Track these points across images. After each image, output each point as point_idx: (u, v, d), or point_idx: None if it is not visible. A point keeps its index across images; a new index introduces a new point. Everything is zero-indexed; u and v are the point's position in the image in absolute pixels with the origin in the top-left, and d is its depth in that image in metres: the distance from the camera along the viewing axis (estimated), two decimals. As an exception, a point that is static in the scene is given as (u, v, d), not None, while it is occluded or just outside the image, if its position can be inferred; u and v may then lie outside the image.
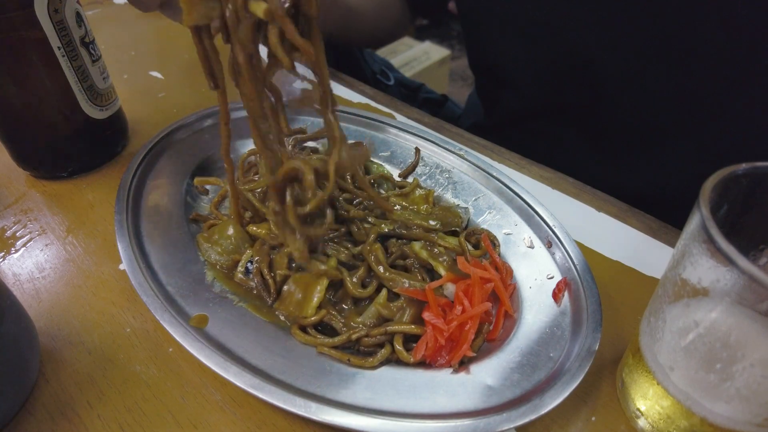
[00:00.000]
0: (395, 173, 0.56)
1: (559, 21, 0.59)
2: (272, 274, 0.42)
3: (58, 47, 0.47)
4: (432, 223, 0.48)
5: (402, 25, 0.87)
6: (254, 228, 0.45)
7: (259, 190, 0.47)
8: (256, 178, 0.51)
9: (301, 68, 0.37)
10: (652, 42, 0.55)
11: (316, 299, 0.40)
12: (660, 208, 0.55)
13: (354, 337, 0.39)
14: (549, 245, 0.46)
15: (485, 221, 0.50)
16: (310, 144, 0.57)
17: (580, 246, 0.47)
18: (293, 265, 0.42)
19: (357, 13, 0.75)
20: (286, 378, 0.35)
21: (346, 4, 0.72)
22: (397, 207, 0.50)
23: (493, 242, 0.47)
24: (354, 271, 0.42)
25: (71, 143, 0.52)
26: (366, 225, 0.47)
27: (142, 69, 0.73)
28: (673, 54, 0.54)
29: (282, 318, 0.40)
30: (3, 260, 0.45)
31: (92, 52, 0.51)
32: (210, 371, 0.34)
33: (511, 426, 0.33)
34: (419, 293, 0.40)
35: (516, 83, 0.69)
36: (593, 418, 0.37)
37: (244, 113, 0.58)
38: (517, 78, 0.69)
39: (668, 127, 0.59)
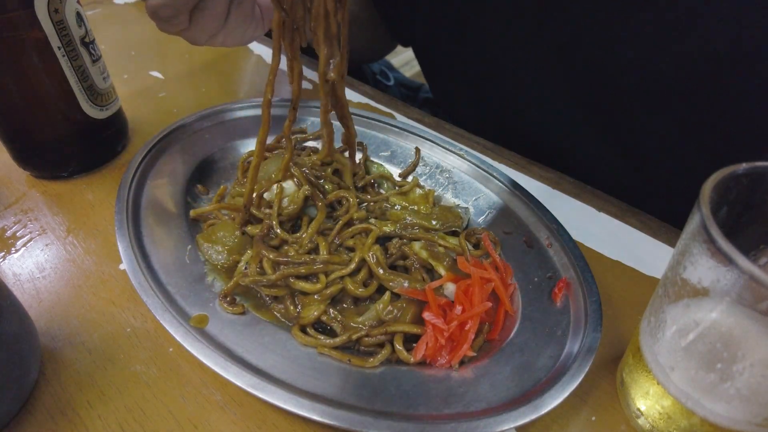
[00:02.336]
0: (395, 173, 0.56)
1: (498, 73, 0.66)
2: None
3: (59, 47, 0.47)
4: (432, 223, 0.48)
5: (381, 48, 0.88)
6: (252, 228, 0.45)
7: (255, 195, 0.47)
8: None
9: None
10: (578, 100, 0.60)
11: (315, 314, 0.40)
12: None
13: (354, 337, 0.39)
14: (549, 245, 0.46)
15: (485, 221, 0.50)
16: (310, 144, 0.57)
17: (580, 246, 0.47)
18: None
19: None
20: (287, 378, 0.35)
21: None
22: (397, 207, 0.50)
23: (493, 242, 0.47)
24: (355, 275, 0.42)
25: (71, 143, 0.52)
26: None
27: (142, 69, 0.73)
28: (615, 114, 0.58)
29: (281, 318, 0.40)
30: (3, 260, 0.45)
31: (92, 52, 0.51)
32: (210, 371, 0.34)
33: (511, 426, 0.33)
34: (419, 293, 0.40)
35: (467, 122, 0.73)
36: (593, 418, 0.37)
37: (243, 113, 0.58)
38: (467, 119, 0.75)
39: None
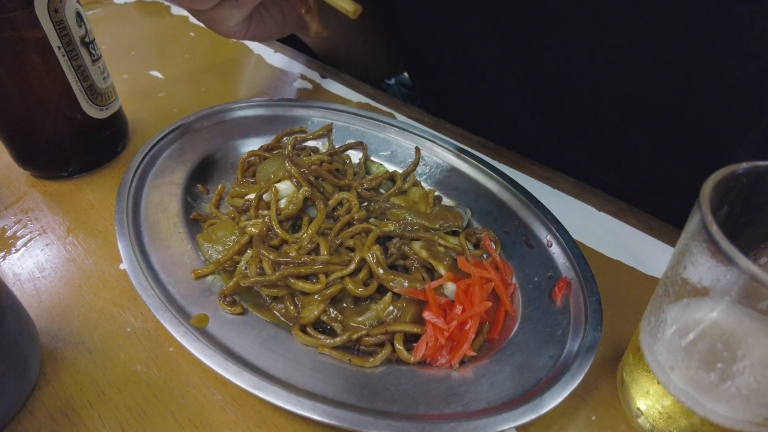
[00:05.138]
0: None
1: (485, 98, 0.68)
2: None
3: (59, 47, 0.47)
4: (432, 222, 0.48)
5: (387, 70, 0.89)
6: (251, 228, 0.45)
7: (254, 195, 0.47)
8: (252, 180, 0.51)
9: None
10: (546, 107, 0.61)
11: (315, 313, 0.40)
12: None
13: (355, 336, 0.39)
14: (549, 244, 0.46)
15: (485, 221, 0.50)
16: (310, 143, 0.57)
17: (581, 245, 0.47)
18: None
19: (343, 53, 0.77)
20: (287, 378, 0.35)
21: (331, 45, 0.74)
22: (397, 206, 0.50)
23: (494, 242, 0.47)
24: (355, 275, 0.42)
25: (71, 143, 0.52)
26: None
27: (142, 69, 0.73)
28: (593, 136, 0.59)
29: (281, 318, 0.40)
30: (3, 260, 0.45)
31: (92, 51, 0.51)
32: (210, 371, 0.34)
33: (511, 426, 0.33)
34: (419, 293, 0.40)
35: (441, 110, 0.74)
36: (593, 418, 0.37)
37: (243, 113, 0.58)
38: (442, 107, 0.76)
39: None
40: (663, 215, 0.54)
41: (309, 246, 0.42)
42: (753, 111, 0.48)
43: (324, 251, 0.42)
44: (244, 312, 0.39)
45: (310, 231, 0.43)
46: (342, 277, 0.41)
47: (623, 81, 0.53)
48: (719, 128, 0.51)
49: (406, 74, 1.06)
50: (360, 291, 0.41)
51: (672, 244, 0.51)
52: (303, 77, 0.73)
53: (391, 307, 0.40)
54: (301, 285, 0.40)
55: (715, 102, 0.50)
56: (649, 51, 0.50)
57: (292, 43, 0.80)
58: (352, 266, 0.42)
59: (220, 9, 0.49)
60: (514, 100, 0.64)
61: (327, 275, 0.41)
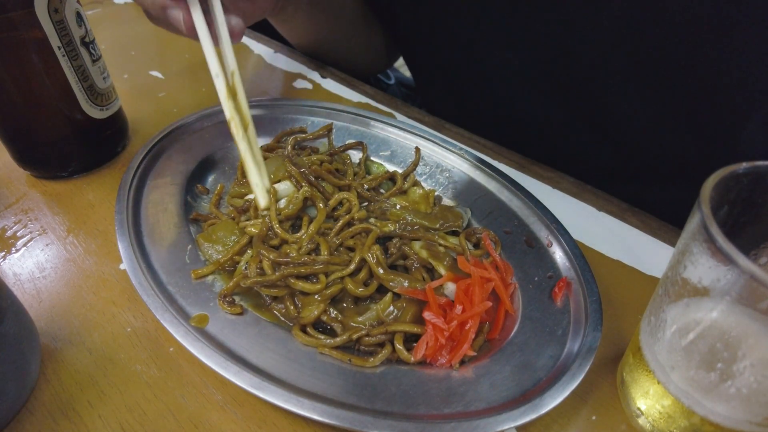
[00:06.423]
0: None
1: (483, 77, 0.67)
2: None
3: (59, 47, 0.47)
4: (432, 222, 0.48)
5: (384, 53, 0.89)
6: (251, 228, 0.45)
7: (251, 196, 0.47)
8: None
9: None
10: (565, 94, 0.60)
11: (315, 313, 0.40)
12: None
13: (355, 336, 0.39)
14: (549, 244, 0.46)
15: (485, 221, 0.50)
16: (310, 143, 0.57)
17: (581, 245, 0.47)
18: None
19: (334, 36, 0.77)
20: (287, 377, 0.35)
21: (322, 23, 0.74)
22: (397, 206, 0.50)
23: (494, 241, 0.47)
24: (356, 275, 0.42)
25: (71, 143, 0.52)
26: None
27: (142, 69, 0.73)
28: (594, 109, 0.58)
29: (281, 318, 0.40)
30: (4, 260, 0.45)
31: (92, 51, 0.51)
32: (211, 371, 0.34)
33: (512, 425, 0.33)
34: (419, 293, 0.40)
35: (443, 110, 0.73)
36: (594, 418, 0.37)
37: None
38: (444, 107, 0.75)
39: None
40: (663, 214, 0.54)
41: (309, 246, 0.42)
42: (759, 89, 0.48)
43: (324, 251, 0.42)
44: (243, 312, 0.39)
45: (310, 230, 0.43)
46: (342, 277, 0.41)
47: (628, 50, 0.52)
48: (724, 105, 0.50)
49: (406, 74, 1.06)
50: (360, 291, 0.41)
51: (672, 244, 0.51)
52: (303, 77, 0.73)
53: (392, 307, 0.40)
54: (301, 285, 0.40)
55: (721, 76, 0.49)
56: (654, 15, 0.49)
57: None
58: (352, 266, 0.42)
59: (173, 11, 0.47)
60: (518, 76, 0.63)
61: (327, 275, 0.41)
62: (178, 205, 0.47)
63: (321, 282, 0.40)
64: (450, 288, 0.41)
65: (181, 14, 0.45)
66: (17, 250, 0.46)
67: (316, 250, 0.43)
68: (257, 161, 0.44)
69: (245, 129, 0.44)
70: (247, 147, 0.44)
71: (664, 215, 0.54)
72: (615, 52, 0.53)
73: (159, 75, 0.72)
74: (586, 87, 0.58)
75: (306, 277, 0.41)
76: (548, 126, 0.64)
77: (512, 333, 0.40)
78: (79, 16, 0.49)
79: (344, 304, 0.41)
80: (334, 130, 0.58)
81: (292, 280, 0.40)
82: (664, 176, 0.59)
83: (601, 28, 0.53)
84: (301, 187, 0.47)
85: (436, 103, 0.78)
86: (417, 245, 0.44)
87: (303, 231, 0.44)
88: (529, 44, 0.59)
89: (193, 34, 0.46)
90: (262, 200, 0.44)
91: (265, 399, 0.33)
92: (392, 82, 0.99)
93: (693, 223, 0.29)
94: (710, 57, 0.48)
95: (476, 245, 0.47)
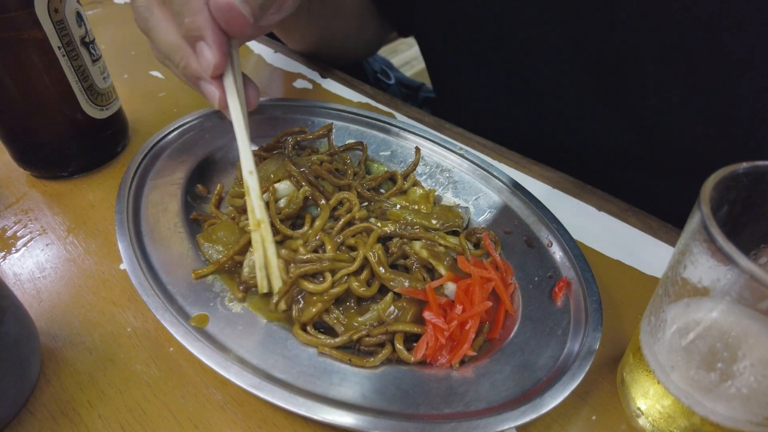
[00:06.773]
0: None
1: (513, 52, 0.64)
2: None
3: (59, 47, 0.47)
4: (432, 222, 0.48)
5: (375, 44, 0.88)
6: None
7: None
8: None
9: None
10: (597, 81, 0.59)
11: (314, 310, 0.40)
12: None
13: (355, 336, 0.39)
14: (549, 244, 0.46)
15: (486, 220, 0.50)
16: (310, 143, 0.57)
17: (581, 245, 0.47)
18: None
19: (333, 36, 0.76)
20: (287, 377, 0.35)
21: (323, 26, 0.74)
22: (398, 206, 0.50)
23: (494, 241, 0.47)
24: (359, 273, 0.42)
25: (71, 143, 0.52)
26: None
27: (142, 69, 0.73)
28: (621, 90, 0.57)
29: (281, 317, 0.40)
30: (4, 260, 0.45)
31: (92, 51, 0.51)
32: (211, 371, 0.34)
33: (512, 425, 0.33)
34: (420, 293, 0.40)
35: (474, 108, 0.73)
36: (594, 418, 0.37)
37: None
38: (476, 104, 0.74)
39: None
40: (667, 212, 0.54)
41: (315, 243, 0.42)
42: None
43: (329, 248, 0.42)
44: (244, 309, 0.39)
45: (315, 227, 0.43)
46: (347, 276, 0.41)
47: (661, 35, 0.52)
48: (751, 101, 0.50)
49: (406, 74, 1.06)
50: (363, 291, 0.41)
51: (672, 244, 0.51)
52: (303, 77, 0.73)
53: (392, 307, 0.40)
54: (310, 286, 0.40)
55: (751, 70, 0.48)
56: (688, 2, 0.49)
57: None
58: (357, 263, 0.41)
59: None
60: (549, 52, 0.62)
61: (333, 273, 0.41)
62: (178, 205, 0.47)
63: (327, 281, 0.40)
64: (450, 288, 0.41)
65: (216, 92, 0.44)
66: (17, 250, 0.46)
67: (321, 249, 0.42)
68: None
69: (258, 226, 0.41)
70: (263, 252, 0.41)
71: (667, 213, 0.54)
72: (648, 37, 0.53)
73: (159, 75, 0.72)
74: (618, 68, 0.57)
75: (312, 276, 0.40)
76: (574, 107, 0.63)
77: (512, 333, 0.40)
78: (79, 16, 0.49)
79: (347, 304, 0.41)
80: (334, 130, 0.58)
81: (301, 281, 0.40)
82: (680, 170, 0.59)
83: (637, 15, 0.52)
84: (301, 186, 0.47)
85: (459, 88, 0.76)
86: (417, 245, 0.44)
87: (307, 227, 0.44)
88: (563, 23, 0.58)
89: (226, 112, 0.45)
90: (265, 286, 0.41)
91: (265, 399, 0.33)
92: (392, 82, 0.99)
93: (693, 222, 0.29)
94: (740, 49, 0.48)
95: (476, 245, 0.47)
